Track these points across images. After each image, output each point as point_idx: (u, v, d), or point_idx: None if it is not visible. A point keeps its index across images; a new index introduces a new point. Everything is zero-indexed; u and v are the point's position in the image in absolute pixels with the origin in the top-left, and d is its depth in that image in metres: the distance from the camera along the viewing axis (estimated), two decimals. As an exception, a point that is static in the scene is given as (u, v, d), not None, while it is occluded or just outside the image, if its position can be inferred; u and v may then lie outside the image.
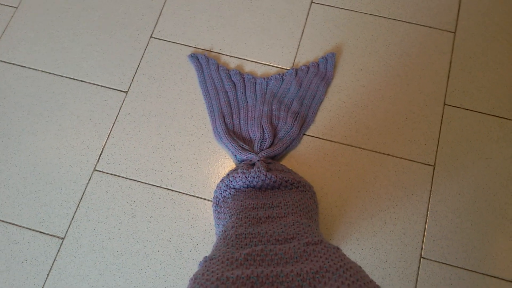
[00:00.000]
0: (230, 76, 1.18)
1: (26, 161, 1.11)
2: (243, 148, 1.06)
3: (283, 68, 1.19)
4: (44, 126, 1.15)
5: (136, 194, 1.08)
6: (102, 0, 1.29)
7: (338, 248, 0.59)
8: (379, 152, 1.09)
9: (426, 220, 1.03)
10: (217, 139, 1.10)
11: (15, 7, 1.29)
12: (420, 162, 1.08)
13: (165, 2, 1.28)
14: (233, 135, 1.09)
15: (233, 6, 1.27)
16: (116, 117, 1.15)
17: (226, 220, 0.82)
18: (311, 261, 0.56)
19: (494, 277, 0.98)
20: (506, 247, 1.01)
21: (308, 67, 1.18)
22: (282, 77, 1.17)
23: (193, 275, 0.56)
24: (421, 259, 1.01)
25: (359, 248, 1.02)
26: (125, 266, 1.02)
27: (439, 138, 1.10)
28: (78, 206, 1.07)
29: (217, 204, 0.96)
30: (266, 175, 0.92)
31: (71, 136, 1.14)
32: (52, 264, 1.03)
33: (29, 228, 1.06)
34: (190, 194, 1.08)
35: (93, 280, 1.01)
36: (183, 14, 1.26)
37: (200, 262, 0.62)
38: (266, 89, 1.16)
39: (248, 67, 1.20)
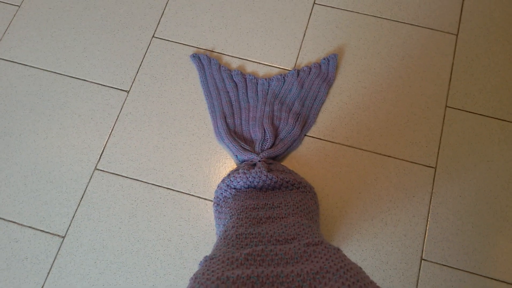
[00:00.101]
0: (232, 76, 1.18)
1: (27, 159, 1.12)
2: (244, 148, 1.06)
3: (285, 69, 1.19)
4: (45, 124, 1.15)
5: (137, 193, 1.08)
6: (105, 0, 1.29)
7: (338, 249, 0.59)
8: (380, 154, 1.09)
9: (427, 222, 1.03)
10: (218, 139, 1.10)
11: (17, 5, 1.29)
12: (421, 164, 1.08)
13: (167, 2, 1.28)
14: (234, 135, 1.09)
15: (235, 6, 1.27)
16: (118, 116, 1.15)
17: (226, 220, 0.82)
18: (312, 262, 0.56)
19: (495, 279, 0.98)
20: (507, 250, 1.00)
21: (310, 68, 1.17)
22: (284, 77, 1.17)
23: (194, 274, 0.56)
24: (422, 261, 1.00)
25: (360, 249, 1.02)
26: (126, 265, 1.02)
27: (440, 140, 1.10)
28: (79, 205, 1.07)
29: (217, 204, 0.96)
30: (267, 176, 0.92)
31: (72, 135, 1.14)
32: (53, 263, 1.03)
33: (29, 227, 1.06)
34: (191, 194, 1.08)
35: (94, 279, 1.01)
36: (186, 14, 1.26)
37: (201, 261, 0.62)
38: (267, 90, 1.16)
39: (250, 68, 1.20)
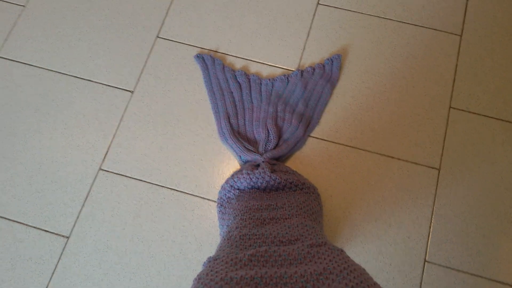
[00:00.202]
0: (236, 76, 1.18)
1: (32, 159, 1.12)
2: (248, 149, 1.06)
3: (288, 69, 1.19)
4: (50, 125, 1.15)
5: (141, 194, 1.08)
6: (109, 0, 1.29)
7: (342, 250, 0.60)
8: (384, 155, 1.09)
9: (430, 224, 1.03)
10: (222, 139, 1.11)
11: (23, 5, 1.30)
12: (425, 165, 1.08)
13: (171, 3, 1.28)
14: (238, 135, 1.10)
15: (239, 7, 1.27)
16: (122, 116, 1.16)
17: (230, 221, 0.82)
18: (315, 263, 0.56)
19: (499, 281, 0.98)
20: (511, 252, 1.00)
21: (314, 69, 1.17)
22: (287, 78, 1.17)
23: (197, 275, 0.56)
24: (426, 263, 1.00)
25: (363, 250, 1.02)
26: (129, 265, 1.03)
27: (444, 141, 1.10)
28: (83, 205, 1.08)
29: (221, 205, 0.96)
30: (270, 176, 0.93)
31: (77, 135, 1.14)
32: (57, 263, 1.03)
33: (34, 227, 1.06)
34: (194, 194, 1.08)
35: (98, 280, 1.02)
36: (190, 15, 1.27)
37: (204, 262, 0.62)
38: (271, 90, 1.16)
39: (253, 68, 1.20)
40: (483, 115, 1.12)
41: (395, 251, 1.01)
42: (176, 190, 1.08)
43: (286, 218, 0.76)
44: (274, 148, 1.06)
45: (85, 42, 1.24)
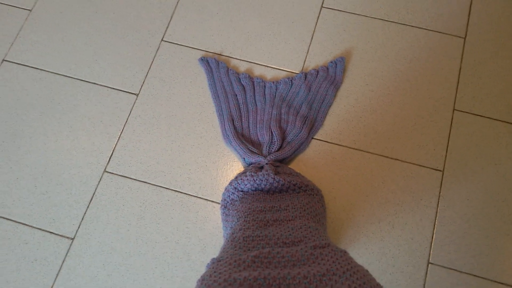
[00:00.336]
0: (240, 79, 1.19)
1: (37, 161, 1.13)
2: (251, 151, 1.06)
3: (292, 72, 1.20)
4: (55, 127, 1.16)
5: (145, 196, 1.09)
6: (114, 4, 1.30)
7: (345, 252, 0.60)
8: (387, 157, 1.09)
9: (434, 226, 1.03)
10: (226, 142, 1.11)
11: (29, 10, 1.31)
12: (428, 167, 1.08)
13: (176, 6, 1.29)
14: (241, 138, 1.10)
15: (244, 10, 1.27)
16: (127, 119, 1.16)
17: (234, 223, 0.83)
18: (318, 264, 0.56)
19: (502, 283, 0.98)
20: (515, 254, 1.00)
21: (318, 71, 1.18)
22: (291, 81, 1.17)
23: (201, 276, 0.56)
24: (429, 264, 1.00)
25: (367, 252, 1.02)
26: (134, 267, 1.03)
27: (448, 143, 1.10)
28: (88, 207, 1.08)
29: (225, 207, 0.96)
30: (274, 178, 0.93)
31: (82, 137, 1.15)
32: (62, 265, 1.04)
33: (39, 228, 1.07)
34: (198, 196, 1.08)
35: (102, 281, 1.02)
36: (194, 18, 1.27)
37: (208, 263, 0.62)
38: (275, 93, 1.17)
39: (257, 71, 1.21)
40: (487, 117, 1.12)
41: (398, 253, 1.01)
42: (180, 192, 1.09)
43: (289, 220, 0.76)
44: (278, 150, 1.06)
45: (90, 46, 1.25)
